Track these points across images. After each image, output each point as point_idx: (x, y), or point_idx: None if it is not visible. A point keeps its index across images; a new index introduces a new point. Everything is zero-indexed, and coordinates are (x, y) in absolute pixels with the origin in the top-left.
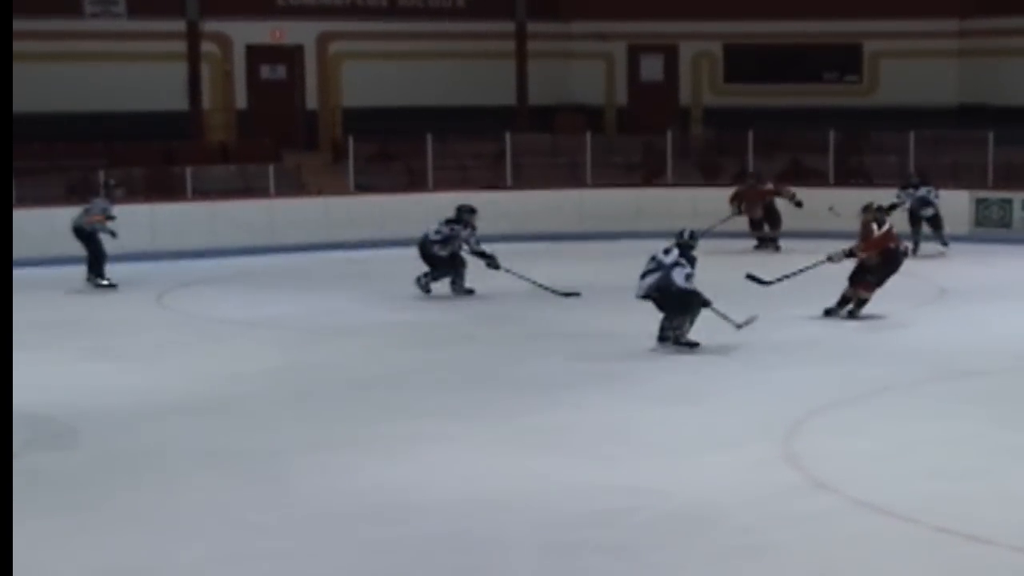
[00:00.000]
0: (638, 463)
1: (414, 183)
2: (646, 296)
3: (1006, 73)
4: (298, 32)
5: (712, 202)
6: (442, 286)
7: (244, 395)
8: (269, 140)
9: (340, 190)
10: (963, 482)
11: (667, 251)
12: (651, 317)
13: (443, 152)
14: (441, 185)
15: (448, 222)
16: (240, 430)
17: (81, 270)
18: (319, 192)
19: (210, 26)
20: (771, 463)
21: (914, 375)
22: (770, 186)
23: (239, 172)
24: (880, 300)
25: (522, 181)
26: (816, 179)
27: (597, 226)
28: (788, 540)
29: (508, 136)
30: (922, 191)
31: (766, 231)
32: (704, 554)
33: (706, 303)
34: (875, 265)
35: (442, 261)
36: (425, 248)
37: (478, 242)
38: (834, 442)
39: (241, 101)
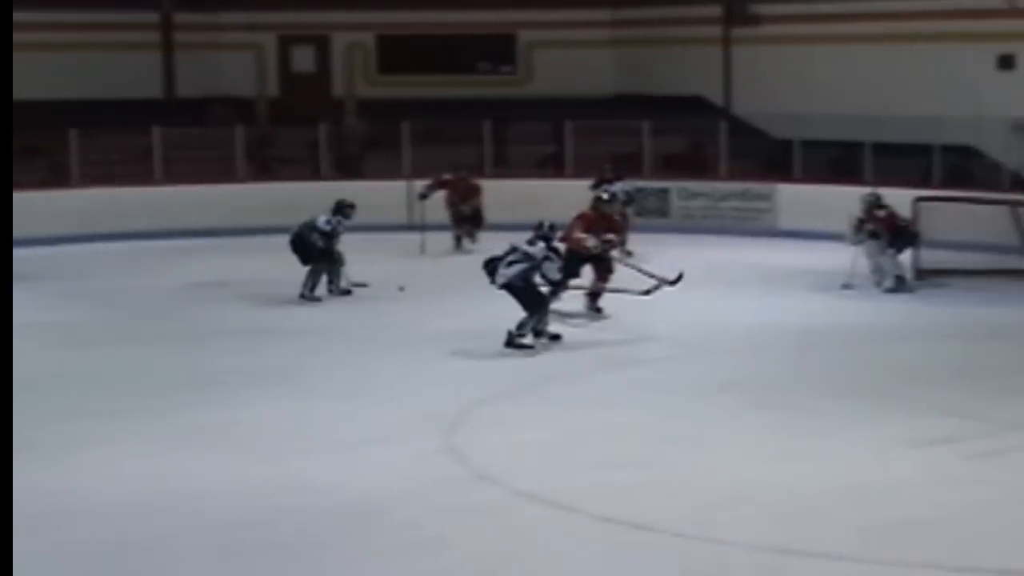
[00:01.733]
0: (303, 460)
1: (58, 179)
2: (507, 285)
3: (659, 62)
4: None
5: (367, 194)
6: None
7: None
8: None
9: None
10: (627, 471)
11: (531, 243)
12: (309, 313)
13: (88, 147)
14: (87, 181)
15: (335, 214)
16: None
17: None
18: None
19: None
20: (435, 456)
21: (578, 365)
22: (478, 183)
23: None
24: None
25: (172, 176)
26: (473, 172)
27: (251, 221)
28: (453, 533)
29: (156, 130)
30: (617, 186)
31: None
32: (370, 550)
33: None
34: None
35: (320, 254)
36: (303, 237)
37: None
38: (498, 433)
39: None
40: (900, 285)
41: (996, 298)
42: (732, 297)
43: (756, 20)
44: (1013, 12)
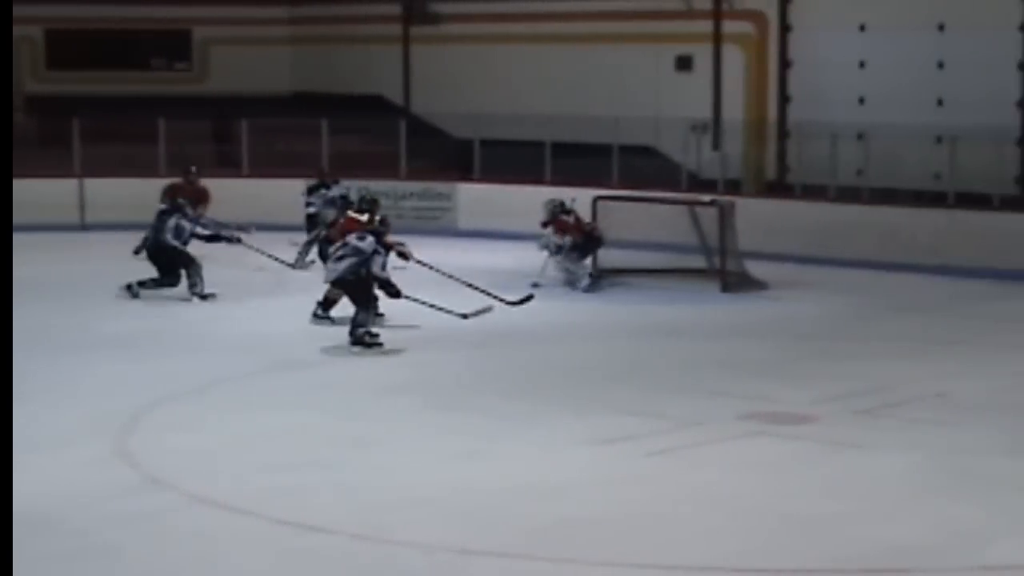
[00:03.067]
0: None
1: None
2: (339, 280)
3: (336, 61)
4: None
5: (36, 193)
6: None
7: None
8: None
9: None
10: (301, 473)
11: (361, 237)
12: None
13: None
14: None
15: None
16: None
17: None
18: None
19: None
20: (105, 461)
21: (249, 367)
22: (206, 187)
23: None
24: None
25: None
26: (147, 170)
27: None
28: (125, 540)
29: None
30: (336, 191)
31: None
32: (39, 559)
33: (398, 294)
34: None
35: (179, 260)
36: (159, 244)
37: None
38: (170, 437)
39: None
40: (594, 284)
41: (674, 296)
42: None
43: (435, 19)
44: (691, 14)
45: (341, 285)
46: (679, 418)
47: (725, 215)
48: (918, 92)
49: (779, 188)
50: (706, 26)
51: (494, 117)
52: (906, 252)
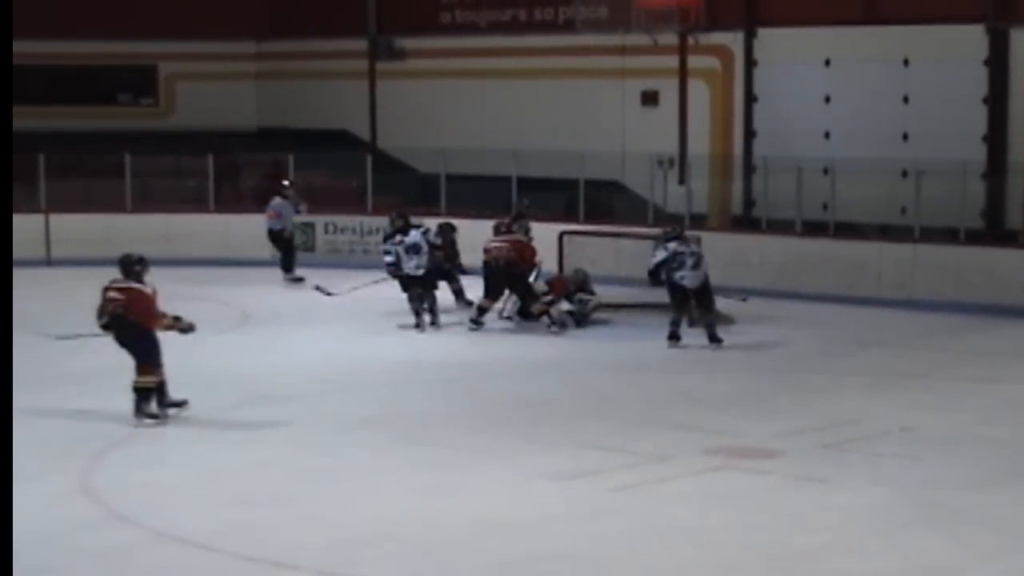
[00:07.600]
0: None
1: None
2: (702, 284)
3: (302, 96)
4: None
5: None
6: None
7: None
8: None
9: None
10: (267, 508)
11: (679, 241)
12: None
13: None
14: None
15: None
16: None
17: None
18: None
19: None
20: (69, 497)
21: (218, 401)
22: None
23: None
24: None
25: None
26: (113, 205)
27: None
28: None
29: None
30: (414, 235)
31: None
32: None
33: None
34: None
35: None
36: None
37: None
38: (135, 473)
39: None
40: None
41: (639, 331)
42: (376, 332)
43: (401, 54)
44: (656, 49)
45: (702, 289)
46: (646, 453)
47: None
48: (883, 126)
49: (745, 222)
50: (672, 61)
51: (460, 152)
52: (872, 286)
